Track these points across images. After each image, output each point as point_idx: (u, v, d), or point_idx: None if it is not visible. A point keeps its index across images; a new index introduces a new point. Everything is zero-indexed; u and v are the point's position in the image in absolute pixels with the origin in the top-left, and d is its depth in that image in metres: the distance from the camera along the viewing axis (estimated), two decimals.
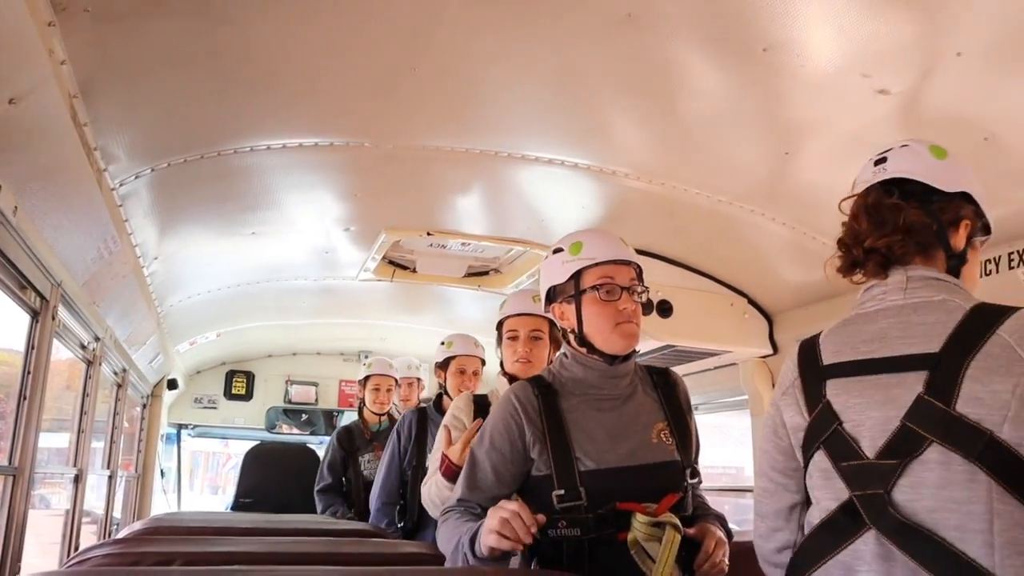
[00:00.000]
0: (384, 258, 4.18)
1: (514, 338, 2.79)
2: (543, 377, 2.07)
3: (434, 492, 2.56)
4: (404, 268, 4.40)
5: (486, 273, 4.49)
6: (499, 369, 2.92)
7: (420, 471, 3.49)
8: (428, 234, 3.76)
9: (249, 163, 2.92)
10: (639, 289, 2.05)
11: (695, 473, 2.03)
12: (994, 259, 2.81)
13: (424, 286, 4.68)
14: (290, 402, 6.82)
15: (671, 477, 1.95)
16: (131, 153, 2.61)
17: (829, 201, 2.98)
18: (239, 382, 6.76)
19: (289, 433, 6.82)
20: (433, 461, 2.74)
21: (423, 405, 3.93)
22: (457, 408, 2.87)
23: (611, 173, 3.03)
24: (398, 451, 3.71)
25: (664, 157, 2.95)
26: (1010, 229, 2.73)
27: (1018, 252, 2.72)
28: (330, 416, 6.92)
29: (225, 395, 6.73)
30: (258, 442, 6.21)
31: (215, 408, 6.72)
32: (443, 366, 3.65)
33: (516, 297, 2.97)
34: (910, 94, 2.28)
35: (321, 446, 6.84)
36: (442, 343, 3.71)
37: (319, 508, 4.52)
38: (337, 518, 4.23)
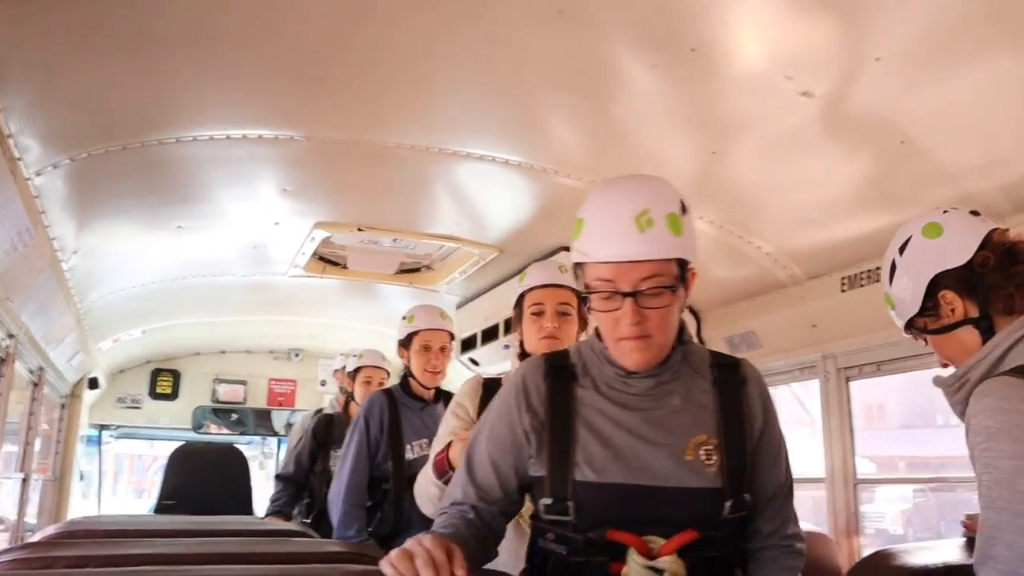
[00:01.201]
0: (315, 254, 4.13)
1: (539, 313, 2.39)
2: (566, 355, 1.63)
3: (420, 486, 2.27)
4: (335, 264, 4.36)
5: (418, 270, 4.47)
6: (518, 351, 2.54)
7: (399, 466, 3.17)
8: (359, 230, 3.72)
9: (175, 155, 2.84)
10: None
11: (742, 506, 1.50)
12: None
13: (356, 283, 4.63)
14: (218, 401, 6.68)
15: (700, 509, 1.47)
16: (48, 142, 2.51)
17: (755, 200, 3.08)
18: (164, 381, 6.59)
19: (218, 433, 6.68)
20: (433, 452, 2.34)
21: (389, 387, 3.48)
22: (463, 394, 2.38)
23: (542, 170, 3.04)
24: (367, 442, 3.20)
25: (595, 155, 2.97)
26: None
27: None
28: (259, 415, 6.80)
29: (150, 394, 6.55)
30: (183, 442, 6.06)
31: (139, 408, 6.54)
32: (406, 343, 3.24)
33: (541, 267, 2.59)
34: (832, 97, 2.34)
35: (250, 446, 6.73)
36: (404, 318, 3.30)
37: (275, 492, 4.13)
38: (282, 510, 4.01)
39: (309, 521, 3.95)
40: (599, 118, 2.67)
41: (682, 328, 1.56)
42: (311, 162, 3.05)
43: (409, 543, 1.27)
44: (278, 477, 4.21)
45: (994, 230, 1.65)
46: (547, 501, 1.50)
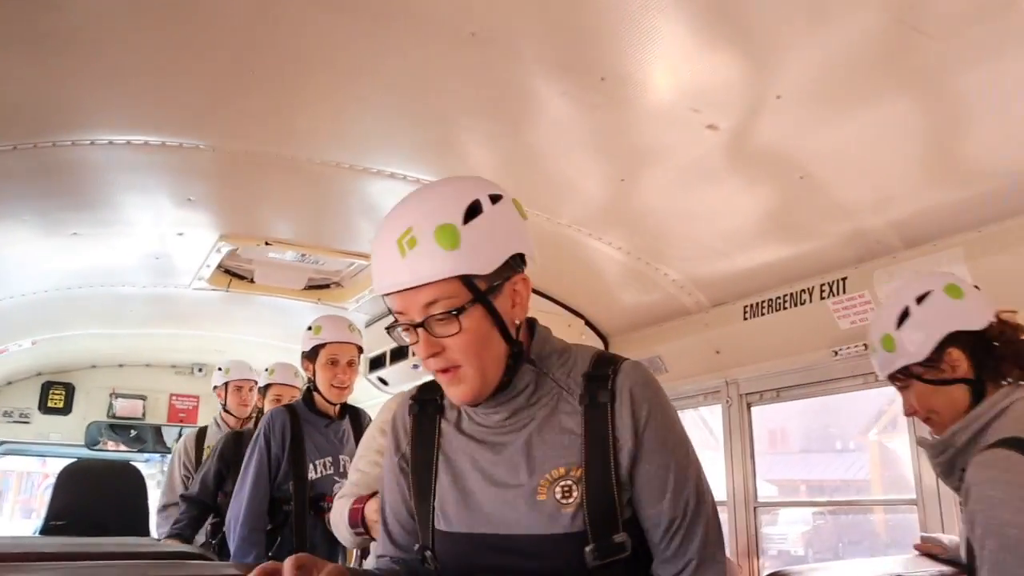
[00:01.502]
0: (220, 267, 4.01)
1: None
2: (434, 385, 1.44)
3: (338, 523, 2.20)
4: (242, 278, 4.24)
5: (327, 286, 4.39)
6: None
7: (301, 487, 3.06)
8: (266, 244, 3.63)
9: (72, 158, 2.72)
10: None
11: (615, 550, 1.26)
12: (807, 289, 3.00)
13: (264, 298, 4.51)
14: (115, 416, 6.39)
15: (555, 559, 1.26)
16: None
17: (663, 229, 3.14)
18: (56, 394, 6.28)
19: (115, 450, 6.39)
20: (352, 471, 2.33)
21: (290, 402, 3.39)
22: (389, 410, 2.19)
23: None
24: (267, 462, 3.05)
25: (507, 177, 2.96)
26: (822, 261, 2.93)
27: (828, 284, 2.92)
28: (159, 432, 6.55)
29: (40, 408, 6.23)
30: (75, 459, 5.78)
31: (27, 423, 6.20)
32: (311, 356, 3.14)
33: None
34: (736, 131, 2.41)
35: (148, 464, 6.47)
36: (309, 328, 3.20)
37: (179, 513, 3.85)
38: (182, 533, 3.73)
39: (215, 543, 3.79)
40: (512, 141, 2.68)
41: (522, 347, 1.34)
42: (217, 172, 2.97)
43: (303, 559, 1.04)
44: (182, 497, 3.94)
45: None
46: (419, 547, 1.38)
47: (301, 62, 2.26)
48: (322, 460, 3.14)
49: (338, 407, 3.21)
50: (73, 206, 3.20)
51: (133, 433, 6.46)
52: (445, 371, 1.30)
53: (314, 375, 3.14)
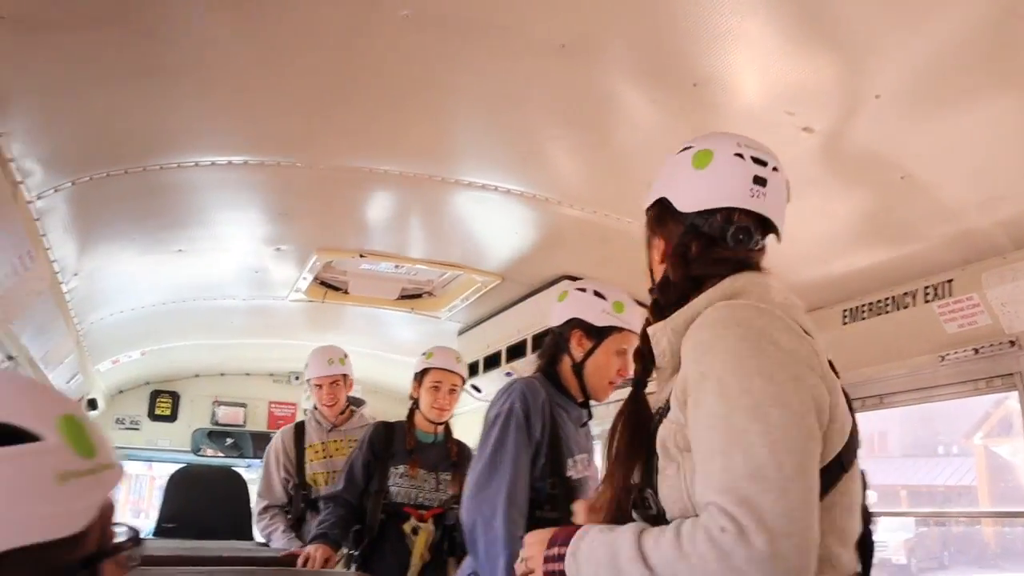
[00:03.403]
0: (316, 279, 4.13)
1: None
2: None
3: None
4: (336, 289, 4.35)
5: (420, 296, 4.46)
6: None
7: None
8: (361, 256, 3.72)
9: (176, 179, 2.85)
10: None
11: None
12: (911, 292, 2.90)
13: (357, 307, 4.62)
14: (217, 424, 6.63)
15: None
16: (50, 166, 2.52)
17: None
18: (164, 403, 6.55)
19: (215, 456, 6.63)
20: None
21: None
22: None
23: (544, 200, 3.05)
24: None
25: (597, 185, 2.98)
26: (926, 263, 2.82)
27: (933, 287, 2.81)
28: (259, 439, 6.75)
29: (149, 416, 6.51)
30: (183, 465, 6.03)
31: (138, 429, 6.49)
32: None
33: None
34: (832, 132, 2.35)
35: (249, 469, 6.69)
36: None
37: (323, 513, 3.45)
38: (329, 533, 3.28)
39: (357, 553, 3.40)
40: (601, 149, 2.68)
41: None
42: (312, 188, 3.06)
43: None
44: (325, 498, 3.60)
45: None
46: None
47: (394, 79, 2.31)
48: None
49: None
50: (178, 224, 3.34)
51: (230, 440, 6.68)
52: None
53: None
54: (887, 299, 2.99)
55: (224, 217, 3.35)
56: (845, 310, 3.16)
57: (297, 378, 6.74)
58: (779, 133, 2.37)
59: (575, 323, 2.56)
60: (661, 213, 1.60)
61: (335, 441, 4.02)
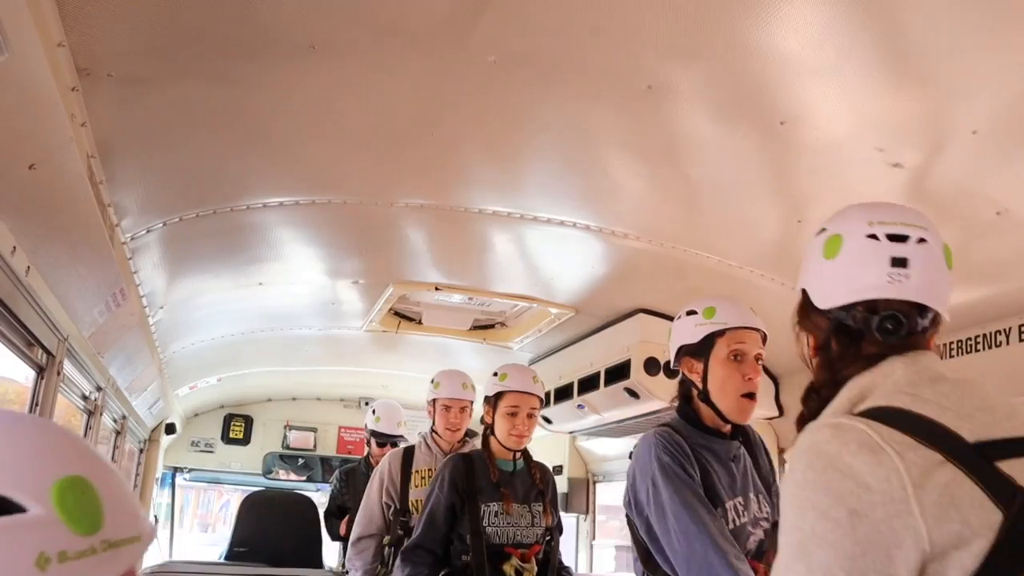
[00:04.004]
0: (390, 310, 4.17)
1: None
2: None
3: None
4: (409, 320, 4.39)
5: (492, 326, 4.48)
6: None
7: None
8: (436, 289, 3.75)
9: (259, 219, 2.92)
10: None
11: None
12: (1004, 330, 2.80)
13: (427, 336, 4.66)
14: (288, 447, 6.74)
15: None
16: (144, 208, 2.61)
17: None
18: (237, 426, 6.69)
19: (286, 479, 6.73)
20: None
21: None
22: None
23: (622, 235, 3.03)
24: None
25: (673, 221, 2.96)
26: (1021, 301, 2.72)
27: None
28: (328, 463, 6.84)
29: (222, 439, 6.65)
30: (255, 488, 6.13)
31: (212, 452, 6.63)
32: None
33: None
34: (923, 168, 2.29)
35: (318, 493, 6.77)
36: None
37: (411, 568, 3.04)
38: None
39: None
40: (678, 185, 2.65)
41: None
42: (391, 225, 3.10)
43: None
44: (404, 550, 3.11)
45: None
46: None
47: (475, 119, 2.33)
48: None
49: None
50: (259, 260, 3.42)
51: (300, 462, 6.78)
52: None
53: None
54: (978, 337, 2.89)
55: (303, 252, 3.42)
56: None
57: (367, 403, 6.82)
58: (868, 169, 2.33)
59: (681, 352, 2.33)
60: (804, 306, 1.46)
61: None
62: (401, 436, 4.76)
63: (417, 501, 3.45)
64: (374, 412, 4.86)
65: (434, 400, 3.59)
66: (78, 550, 0.70)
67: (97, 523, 0.73)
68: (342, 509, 4.84)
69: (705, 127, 2.27)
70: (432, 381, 3.65)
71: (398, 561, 3.12)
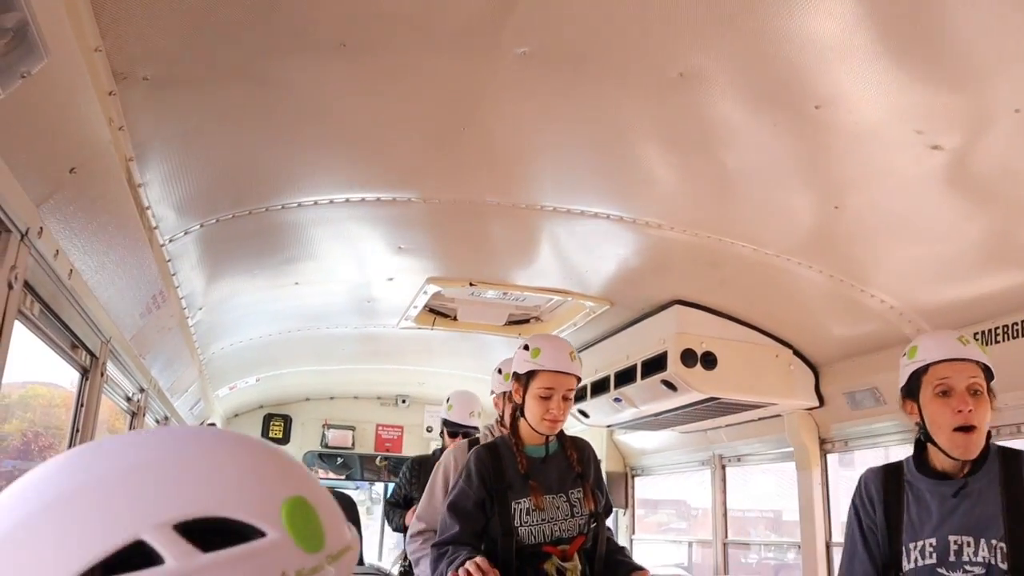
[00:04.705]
0: (425, 306, 4.19)
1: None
2: None
3: None
4: (445, 316, 4.40)
5: (527, 321, 4.47)
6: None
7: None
8: (471, 284, 3.76)
9: (295, 218, 2.94)
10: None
11: None
12: None
13: (462, 332, 4.67)
14: (327, 446, 6.79)
15: None
16: (182, 210, 2.64)
17: (878, 253, 2.97)
18: (276, 426, 6.75)
19: (325, 478, 6.78)
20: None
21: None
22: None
23: (656, 226, 3.01)
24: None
25: (707, 210, 2.93)
26: None
27: None
28: (367, 460, 6.87)
29: (263, 439, 6.71)
30: None
31: None
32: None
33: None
34: (964, 150, 2.25)
35: (357, 491, 6.82)
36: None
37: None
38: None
39: None
40: (712, 174, 2.63)
41: None
42: (426, 221, 3.11)
43: None
44: (438, 544, 2.70)
45: None
46: None
47: (509, 114, 2.33)
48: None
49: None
50: (295, 259, 3.45)
51: (340, 461, 6.82)
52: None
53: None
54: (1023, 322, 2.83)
55: (340, 251, 3.44)
56: (976, 333, 3.01)
57: (404, 401, 6.86)
58: (907, 152, 2.29)
59: (903, 395, 2.23)
60: None
61: None
62: (475, 428, 4.34)
63: None
64: (448, 400, 4.52)
65: (504, 393, 3.14)
66: (311, 567, 0.72)
67: (320, 540, 0.74)
68: (408, 500, 4.58)
69: (738, 114, 2.25)
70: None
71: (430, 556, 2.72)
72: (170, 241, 2.76)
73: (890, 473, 2.21)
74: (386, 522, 4.64)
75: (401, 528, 4.04)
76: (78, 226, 1.97)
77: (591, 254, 3.48)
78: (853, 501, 2.24)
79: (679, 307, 3.73)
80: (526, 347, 2.73)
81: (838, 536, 4.05)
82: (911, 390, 2.18)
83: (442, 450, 4.52)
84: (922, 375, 2.15)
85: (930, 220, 2.64)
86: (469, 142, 2.47)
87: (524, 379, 2.67)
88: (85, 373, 2.64)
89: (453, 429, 4.39)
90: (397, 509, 4.68)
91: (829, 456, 4.09)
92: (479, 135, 2.44)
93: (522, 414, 2.70)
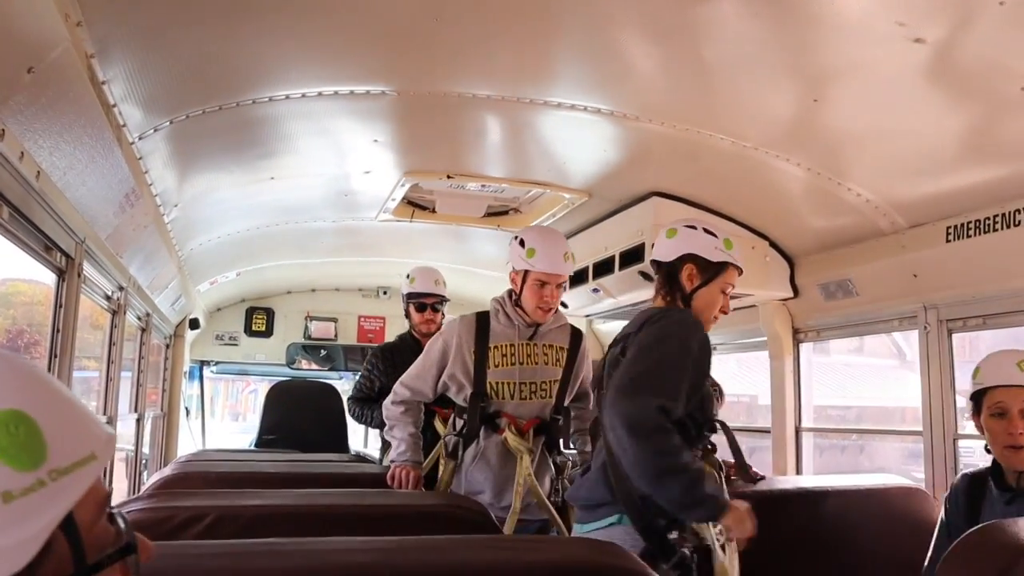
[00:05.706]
0: (404, 199, 4.17)
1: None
2: None
3: None
4: (424, 208, 4.38)
5: (506, 213, 4.47)
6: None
7: None
8: (448, 177, 3.73)
9: (268, 112, 2.88)
10: None
11: None
12: (1022, 210, 2.77)
13: (442, 224, 4.66)
14: (310, 338, 6.85)
15: None
16: (149, 107, 2.58)
17: (857, 147, 2.96)
18: (259, 319, 6.79)
19: (309, 369, 6.87)
20: None
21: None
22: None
23: (634, 118, 2.98)
24: None
25: (687, 102, 2.89)
26: None
27: None
28: (350, 351, 6.95)
29: (246, 332, 6.77)
30: (280, 379, 6.29)
31: (236, 345, 6.77)
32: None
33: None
34: (947, 43, 2.21)
35: (341, 381, 6.94)
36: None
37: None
38: None
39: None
40: (692, 65, 2.58)
41: None
42: (402, 114, 3.07)
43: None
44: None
45: None
46: None
47: (482, 4, 2.26)
48: None
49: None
50: (270, 154, 3.40)
51: (323, 352, 6.91)
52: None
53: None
54: (996, 216, 2.86)
55: (315, 145, 3.38)
56: (949, 227, 3.04)
57: (385, 292, 6.89)
58: (888, 45, 2.25)
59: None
60: None
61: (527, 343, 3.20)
62: (442, 296, 4.23)
63: (498, 384, 3.07)
64: (408, 275, 4.31)
65: (525, 272, 3.07)
66: (23, 487, 0.68)
67: (40, 455, 0.69)
68: (382, 391, 3.81)
69: (718, 3, 2.19)
70: (524, 246, 3.08)
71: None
72: (140, 138, 2.70)
73: (976, 479, 2.52)
74: (356, 420, 4.29)
75: (382, 424, 3.69)
76: (41, 127, 1.92)
77: (569, 146, 3.45)
78: (944, 501, 2.61)
79: (657, 199, 3.73)
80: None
81: (808, 422, 4.20)
82: (976, 408, 2.48)
83: (409, 334, 4.28)
84: (982, 396, 2.45)
85: (910, 114, 2.62)
86: (442, 32, 2.40)
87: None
88: (61, 274, 2.63)
89: (420, 302, 4.20)
90: (370, 403, 4.10)
91: (802, 345, 4.19)
92: (454, 25, 2.37)
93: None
